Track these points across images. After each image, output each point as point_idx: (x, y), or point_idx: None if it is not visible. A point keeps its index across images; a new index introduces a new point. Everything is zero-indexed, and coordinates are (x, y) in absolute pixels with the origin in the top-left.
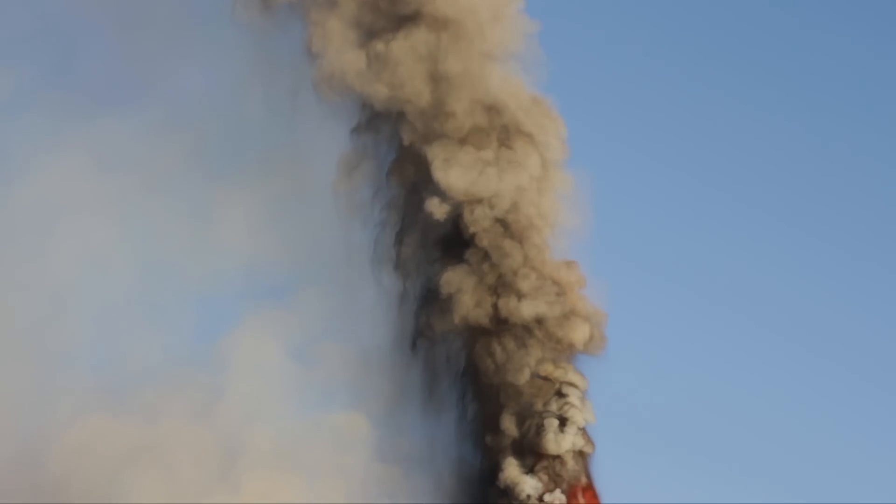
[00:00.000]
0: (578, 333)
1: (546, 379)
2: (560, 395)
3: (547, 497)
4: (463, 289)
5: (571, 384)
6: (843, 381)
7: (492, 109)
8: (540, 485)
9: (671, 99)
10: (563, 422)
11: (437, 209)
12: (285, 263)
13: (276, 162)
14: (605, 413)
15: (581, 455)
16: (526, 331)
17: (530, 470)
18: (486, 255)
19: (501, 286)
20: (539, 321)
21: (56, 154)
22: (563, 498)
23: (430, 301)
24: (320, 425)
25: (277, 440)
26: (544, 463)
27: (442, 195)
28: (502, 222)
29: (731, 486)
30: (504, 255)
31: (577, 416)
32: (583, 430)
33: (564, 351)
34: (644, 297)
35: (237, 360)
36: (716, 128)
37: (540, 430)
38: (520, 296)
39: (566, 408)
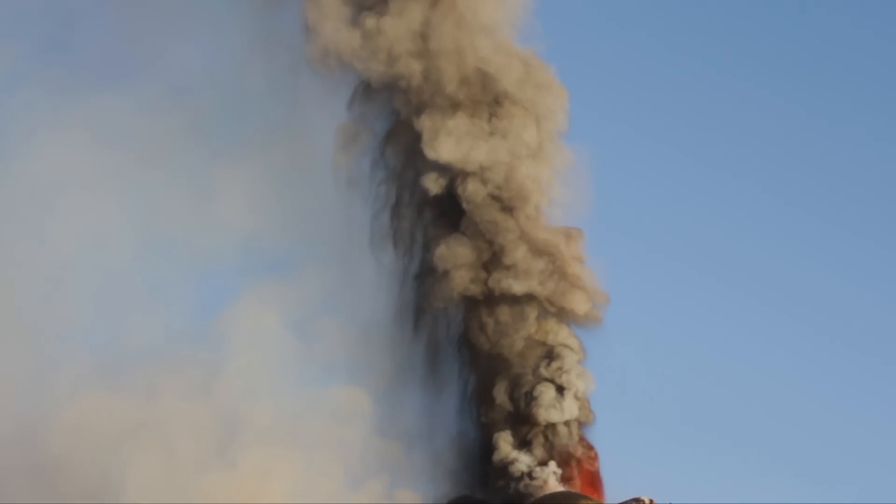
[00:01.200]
0: (575, 304)
1: (542, 344)
2: (553, 358)
3: (538, 472)
4: (457, 264)
5: (566, 346)
6: (841, 358)
7: (485, 81)
8: (533, 460)
9: (675, 76)
10: (559, 389)
11: (433, 184)
12: (285, 239)
13: (275, 137)
14: (604, 386)
15: (578, 424)
16: (518, 303)
17: (524, 442)
18: (479, 230)
19: (494, 262)
20: (530, 297)
21: (55, 130)
22: (558, 471)
23: (428, 276)
24: (320, 401)
25: (276, 415)
26: (539, 432)
27: (435, 168)
28: (496, 197)
29: (729, 462)
30: (497, 230)
31: (573, 381)
32: (580, 398)
33: (562, 319)
34: (643, 274)
35: (236, 335)
36: (719, 106)
37: (531, 397)
38: (511, 272)
39: (559, 373)
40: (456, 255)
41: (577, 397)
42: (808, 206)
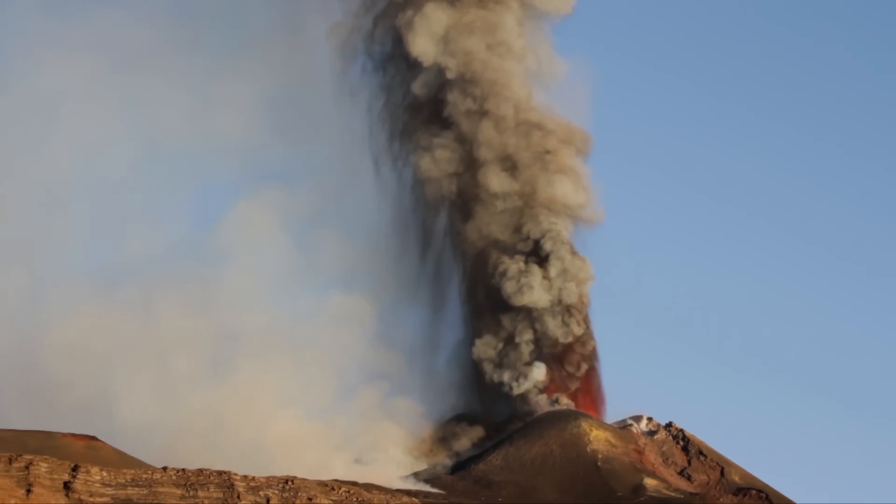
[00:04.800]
0: (560, 194)
1: (525, 237)
2: (540, 243)
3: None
4: (439, 168)
5: (553, 232)
6: (836, 270)
7: None
8: (514, 374)
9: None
10: (544, 269)
11: (419, 88)
12: (283, 149)
13: (273, 48)
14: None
15: (566, 310)
16: (504, 199)
17: (509, 339)
18: (462, 136)
19: (475, 165)
20: (511, 194)
21: (53, 45)
22: (542, 368)
23: (418, 185)
24: (317, 309)
25: (273, 325)
26: (525, 326)
27: (420, 70)
28: (477, 102)
29: (728, 366)
30: (478, 139)
31: (559, 263)
32: (571, 282)
33: (553, 210)
34: (642, 188)
35: (234, 245)
36: (722, 34)
37: (505, 277)
38: (489, 171)
39: (548, 255)
40: (437, 163)
41: (566, 280)
42: (812, 130)
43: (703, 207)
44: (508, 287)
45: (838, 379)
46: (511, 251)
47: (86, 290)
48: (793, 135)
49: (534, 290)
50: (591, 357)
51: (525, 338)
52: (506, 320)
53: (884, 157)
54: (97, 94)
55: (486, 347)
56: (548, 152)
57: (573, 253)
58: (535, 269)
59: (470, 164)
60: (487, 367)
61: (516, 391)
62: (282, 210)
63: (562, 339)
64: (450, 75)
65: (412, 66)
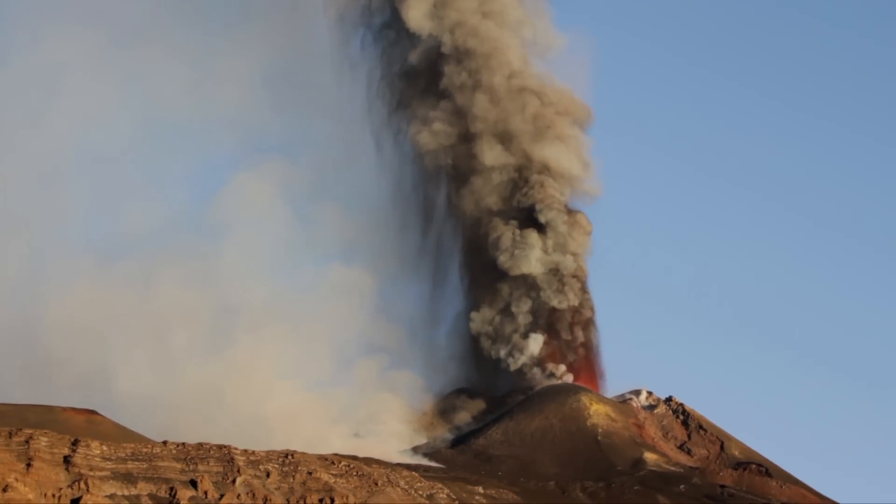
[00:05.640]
0: (553, 156)
1: (516, 207)
2: (535, 210)
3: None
4: (437, 141)
5: (548, 199)
6: (838, 243)
7: None
8: (508, 347)
9: None
10: (541, 237)
11: (417, 59)
12: (284, 121)
13: (274, 22)
14: (605, 278)
15: (559, 280)
16: (500, 172)
17: (505, 309)
18: (458, 109)
19: (470, 137)
20: (501, 169)
21: (55, 19)
22: (541, 335)
23: (420, 157)
24: (317, 282)
25: (272, 297)
26: (521, 294)
27: (417, 41)
28: (474, 78)
29: (728, 340)
30: (473, 112)
31: (551, 229)
32: (567, 249)
33: (547, 177)
34: (640, 165)
35: (234, 217)
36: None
37: (500, 245)
38: (484, 145)
39: (547, 226)
40: (435, 134)
41: (564, 252)
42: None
43: (703, 183)
44: (503, 256)
45: (839, 352)
46: (506, 218)
47: (84, 264)
48: (792, 111)
49: (529, 259)
50: (589, 326)
51: (522, 308)
52: (503, 289)
53: (879, 130)
54: (97, 67)
55: (483, 322)
56: (544, 119)
57: (569, 220)
58: (531, 236)
59: (466, 136)
60: (485, 343)
61: (513, 367)
62: (281, 182)
63: (557, 306)
64: (445, 50)
65: (410, 36)
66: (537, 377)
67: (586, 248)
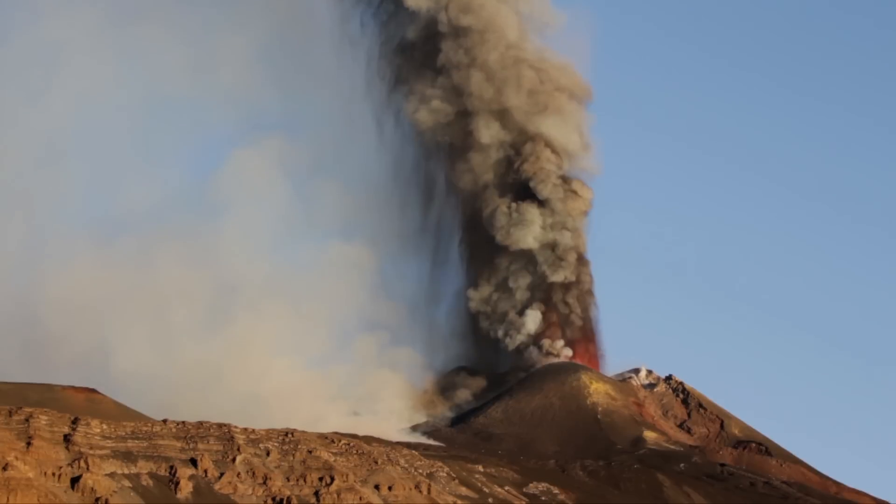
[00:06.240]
0: (549, 129)
1: (511, 180)
2: (534, 184)
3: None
4: (435, 118)
5: (544, 170)
6: (838, 218)
7: None
8: (506, 326)
9: None
10: (541, 210)
11: (415, 35)
12: (284, 98)
13: None
14: (605, 255)
15: (551, 251)
16: (497, 149)
17: (502, 284)
18: (455, 87)
19: (467, 114)
20: (497, 146)
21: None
22: (539, 312)
23: (420, 135)
24: (316, 259)
25: (272, 273)
26: (517, 268)
27: (413, 13)
28: (471, 56)
29: (728, 319)
30: (470, 90)
31: (549, 207)
32: (563, 223)
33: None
34: (639, 142)
35: (234, 195)
36: None
37: (496, 218)
38: (480, 123)
39: (544, 199)
40: (433, 110)
41: (562, 228)
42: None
43: (703, 162)
44: (500, 230)
45: (840, 329)
46: (503, 192)
47: (83, 242)
48: (793, 93)
49: (526, 233)
50: (587, 298)
51: (521, 283)
52: (501, 264)
53: (877, 110)
54: (96, 45)
55: (480, 300)
56: (540, 93)
57: (566, 192)
58: (529, 210)
59: (464, 113)
60: (483, 322)
61: (511, 346)
62: (281, 159)
63: (555, 279)
64: (442, 28)
65: (408, 13)
66: (536, 355)
67: (584, 221)
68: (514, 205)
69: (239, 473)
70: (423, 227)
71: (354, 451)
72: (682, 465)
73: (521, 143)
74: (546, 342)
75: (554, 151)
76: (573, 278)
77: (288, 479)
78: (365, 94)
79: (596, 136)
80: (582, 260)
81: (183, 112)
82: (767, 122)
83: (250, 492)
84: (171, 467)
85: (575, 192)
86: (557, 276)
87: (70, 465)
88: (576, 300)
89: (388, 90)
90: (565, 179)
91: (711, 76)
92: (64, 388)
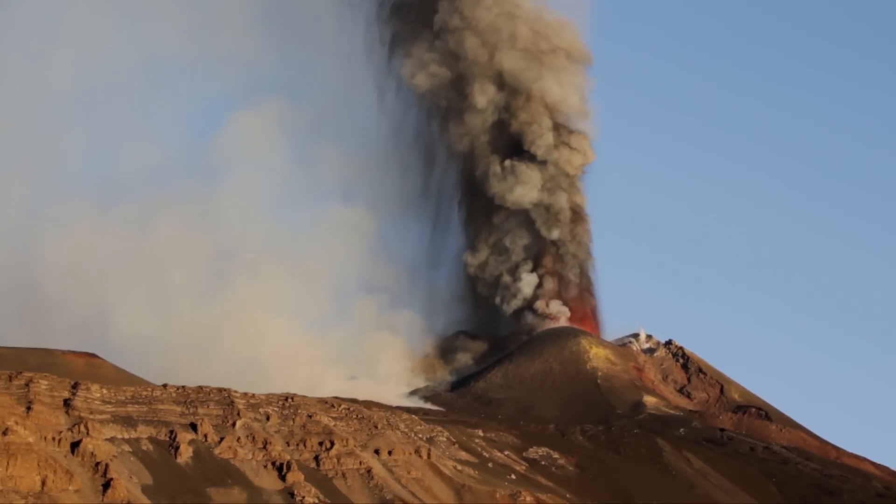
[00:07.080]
0: (545, 87)
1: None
2: (531, 143)
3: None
4: (433, 81)
5: (537, 127)
6: (838, 186)
7: None
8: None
9: None
10: (537, 166)
11: None
12: (284, 60)
13: None
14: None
15: (547, 211)
16: (493, 111)
17: (498, 245)
18: (451, 52)
19: (463, 78)
20: (493, 109)
21: None
22: (535, 278)
23: (419, 98)
24: (316, 222)
25: (271, 237)
26: (511, 227)
27: None
28: (467, 22)
29: (728, 283)
30: (465, 55)
31: (545, 164)
32: (559, 177)
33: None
34: (639, 109)
35: (234, 153)
36: None
37: (490, 175)
38: (475, 87)
39: (540, 157)
40: (429, 74)
41: (557, 185)
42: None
43: (703, 127)
44: (496, 189)
45: (840, 295)
46: (499, 152)
47: (83, 206)
48: (793, 60)
49: (521, 192)
50: (585, 257)
51: (518, 243)
52: (497, 224)
53: (876, 77)
54: (95, 8)
55: (477, 264)
56: (535, 51)
57: (563, 151)
58: (523, 168)
59: (461, 76)
60: (481, 287)
61: (508, 311)
62: (281, 121)
63: (550, 237)
64: None
65: None
66: (534, 318)
67: (581, 178)
68: (508, 163)
69: (239, 438)
70: (424, 190)
71: (354, 416)
72: (681, 429)
73: (517, 103)
74: (541, 304)
75: (550, 108)
76: (569, 236)
77: (288, 444)
78: (365, 57)
79: (595, 98)
80: (579, 218)
81: (182, 75)
82: (771, 92)
83: (250, 456)
84: (171, 432)
85: (572, 147)
86: (553, 234)
87: (70, 429)
88: (572, 256)
89: (387, 54)
90: (563, 133)
91: (712, 45)
92: (64, 352)
